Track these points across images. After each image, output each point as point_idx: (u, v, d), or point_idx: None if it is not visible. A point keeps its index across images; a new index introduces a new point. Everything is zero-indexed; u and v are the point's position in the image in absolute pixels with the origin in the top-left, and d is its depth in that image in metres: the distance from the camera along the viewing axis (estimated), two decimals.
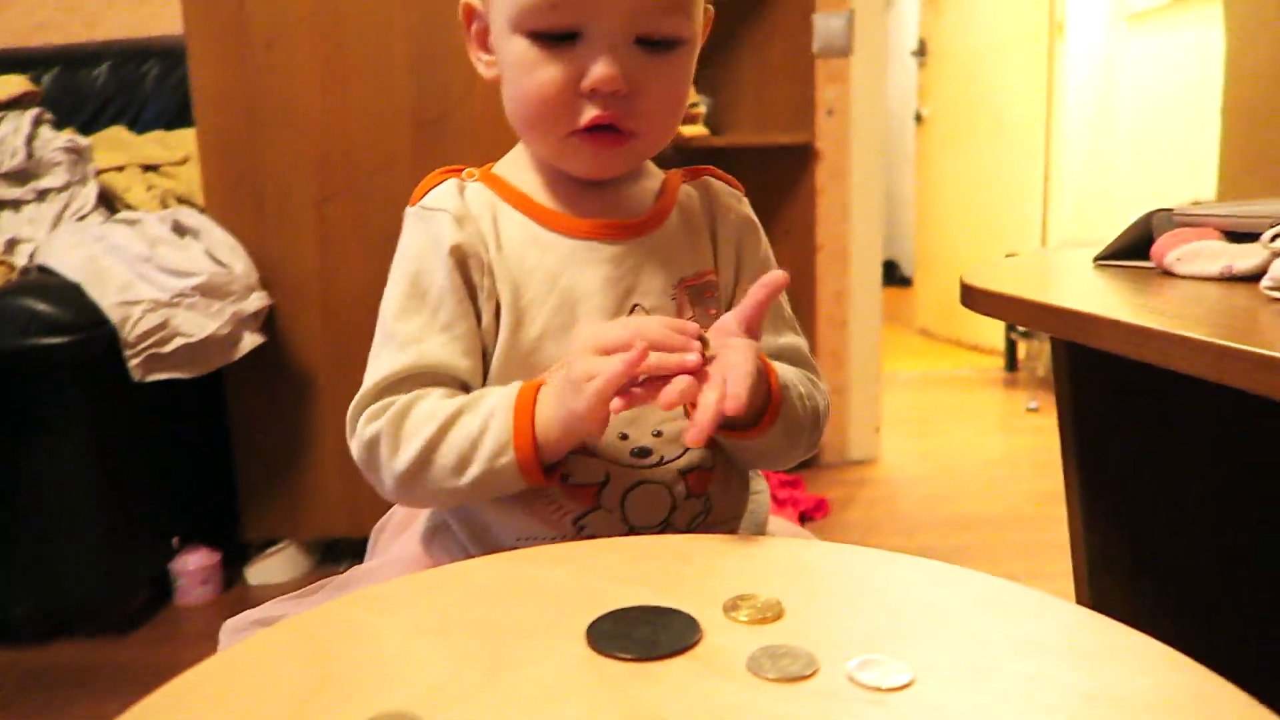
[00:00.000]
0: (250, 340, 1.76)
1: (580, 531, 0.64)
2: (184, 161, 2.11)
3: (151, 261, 1.66)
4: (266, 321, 1.83)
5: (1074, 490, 0.93)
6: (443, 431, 0.61)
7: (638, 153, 0.68)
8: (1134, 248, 0.93)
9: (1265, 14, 2.03)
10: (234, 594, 1.89)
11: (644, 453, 0.65)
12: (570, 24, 0.61)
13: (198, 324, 1.65)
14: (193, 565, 1.83)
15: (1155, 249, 0.87)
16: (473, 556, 0.57)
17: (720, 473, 0.68)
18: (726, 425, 0.60)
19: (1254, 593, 0.95)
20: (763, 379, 0.62)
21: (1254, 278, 0.75)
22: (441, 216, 0.66)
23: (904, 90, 5.09)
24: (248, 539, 1.94)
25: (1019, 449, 2.84)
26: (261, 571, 1.93)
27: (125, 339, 1.59)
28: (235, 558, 1.95)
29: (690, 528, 0.66)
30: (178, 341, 1.63)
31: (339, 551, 2.03)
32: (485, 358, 0.66)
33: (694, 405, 0.56)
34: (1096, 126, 3.52)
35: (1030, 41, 3.74)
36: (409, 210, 0.69)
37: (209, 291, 1.67)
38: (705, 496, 0.67)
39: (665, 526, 0.65)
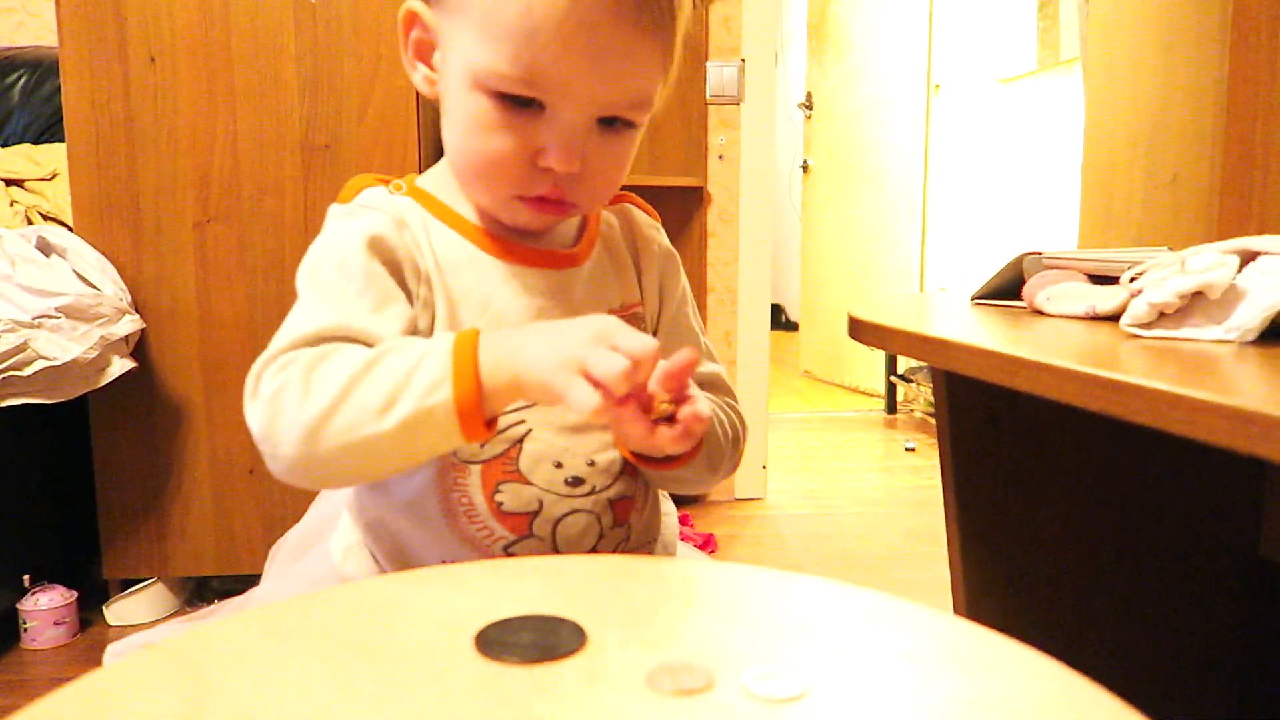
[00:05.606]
0: (119, 365, 1.67)
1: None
2: (52, 178, 2.00)
3: (11, 280, 1.57)
4: (138, 346, 1.75)
5: (952, 513, 0.97)
6: (367, 369, 0.55)
7: (572, 215, 0.68)
8: (1007, 288, 0.99)
9: (1119, 84, 2.19)
10: (90, 635, 1.77)
11: (577, 482, 0.65)
12: (537, 97, 0.60)
13: (61, 347, 1.56)
14: (45, 605, 1.71)
15: (1026, 290, 0.93)
16: None
17: (639, 500, 0.69)
18: (653, 458, 0.62)
19: (1115, 606, 1.00)
20: None
21: (1114, 317, 0.80)
22: (378, 215, 0.64)
23: (791, 140, 5.26)
24: (108, 577, 1.83)
25: (897, 488, 2.93)
26: (122, 611, 1.82)
27: None
28: (95, 597, 1.83)
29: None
30: (38, 365, 1.53)
31: (208, 590, 1.93)
32: None
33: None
34: (969, 180, 3.72)
35: (909, 99, 3.94)
36: (336, 208, 0.66)
37: (74, 313, 1.59)
38: (628, 525, 0.68)
39: (592, 555, 0.65)
